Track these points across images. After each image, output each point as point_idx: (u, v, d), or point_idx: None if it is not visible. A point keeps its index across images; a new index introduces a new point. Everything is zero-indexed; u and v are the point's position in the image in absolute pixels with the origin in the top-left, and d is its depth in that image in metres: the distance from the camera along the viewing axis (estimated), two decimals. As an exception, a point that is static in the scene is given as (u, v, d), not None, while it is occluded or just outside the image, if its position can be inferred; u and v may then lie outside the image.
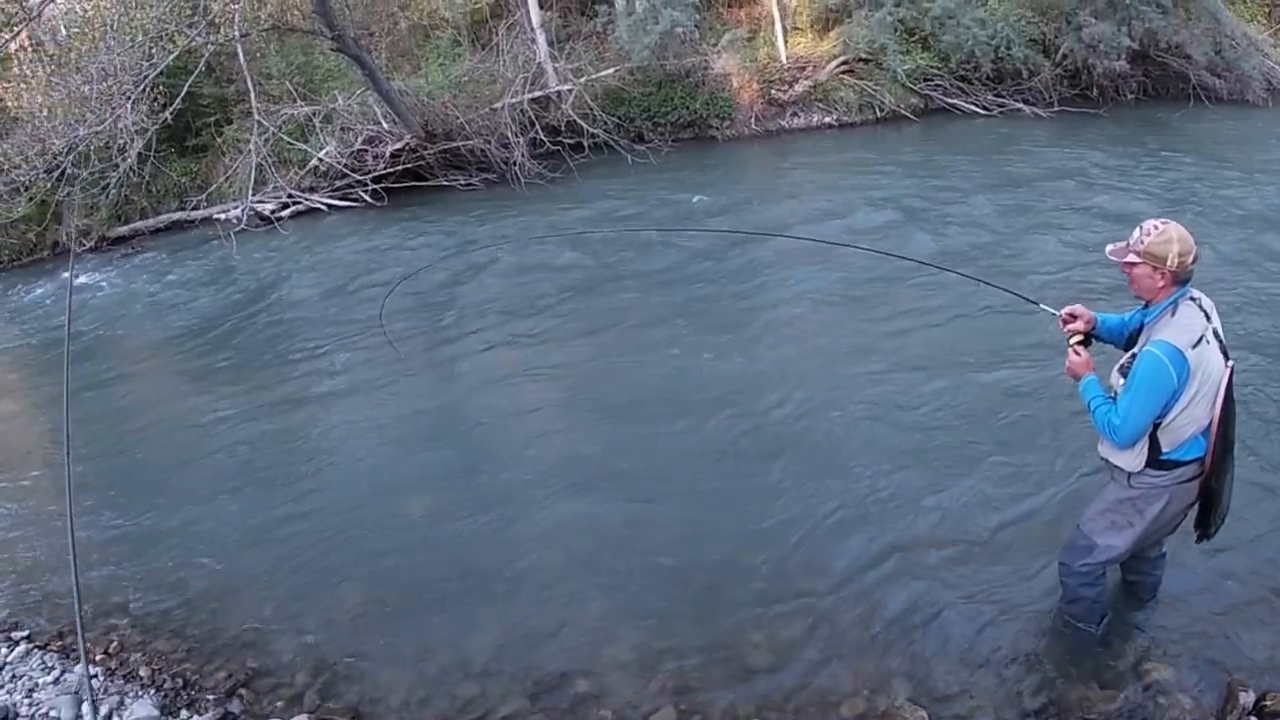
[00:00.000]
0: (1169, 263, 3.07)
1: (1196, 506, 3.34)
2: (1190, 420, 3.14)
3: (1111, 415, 3.19)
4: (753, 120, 12.64)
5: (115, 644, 4.04)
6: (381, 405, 5.96)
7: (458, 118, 10.93)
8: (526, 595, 4.20)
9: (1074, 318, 3.50)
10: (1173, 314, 3.15)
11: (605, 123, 11.59)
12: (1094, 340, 3.61)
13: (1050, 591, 3.83)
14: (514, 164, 10.83)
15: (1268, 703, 3.68)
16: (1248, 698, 3.66)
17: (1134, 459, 3.28)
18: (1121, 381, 3.23)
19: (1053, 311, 3.64)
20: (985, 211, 8.43)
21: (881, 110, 12.70)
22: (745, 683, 3.75)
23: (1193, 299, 3.19)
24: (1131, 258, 3.13)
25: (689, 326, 6.54)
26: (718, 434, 5.21)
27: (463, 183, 10.99)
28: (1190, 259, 3.08)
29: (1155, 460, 3.23)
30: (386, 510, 4.88)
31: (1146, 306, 3.28)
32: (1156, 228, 3.10)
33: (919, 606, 3.97)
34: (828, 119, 12.58)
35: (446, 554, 4.46)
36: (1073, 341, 3.53)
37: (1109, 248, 3.22)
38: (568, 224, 9.28)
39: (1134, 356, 3.18)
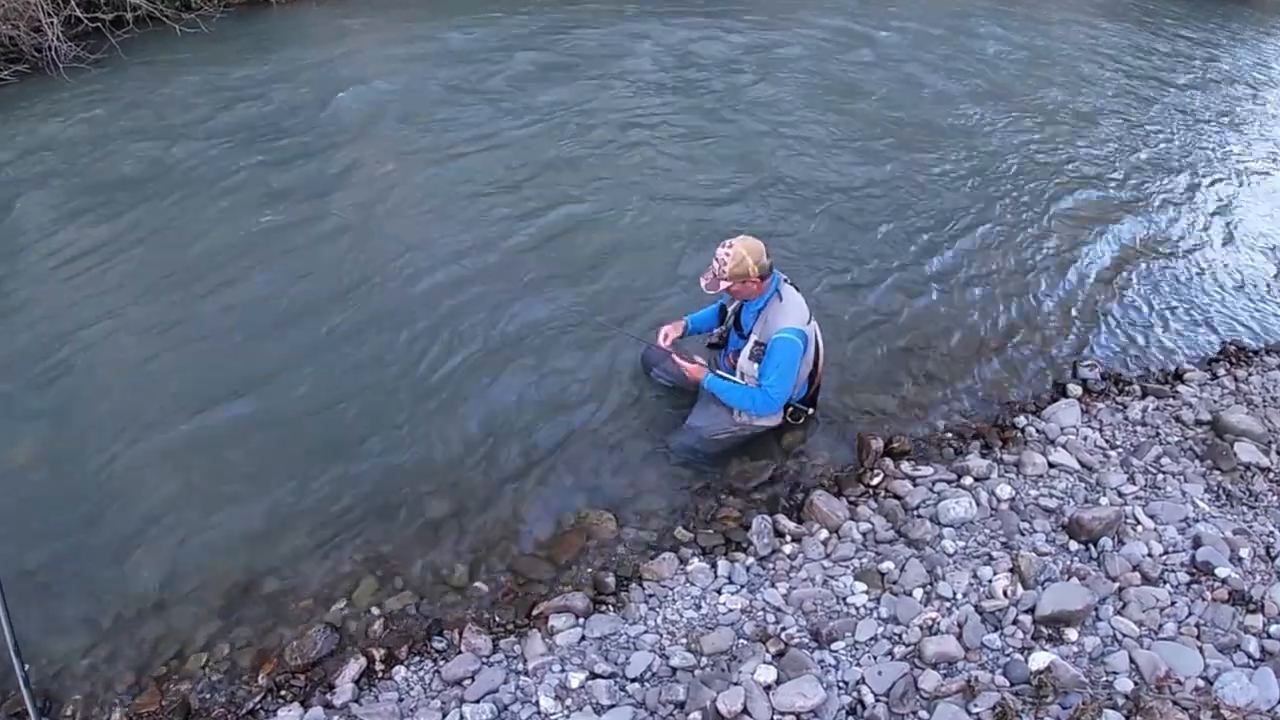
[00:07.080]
0: (754, 272, 3.35)
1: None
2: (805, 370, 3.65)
3: (757, 394, 3.55)
4: (304, -22, 11.99)
5: None
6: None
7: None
8: (178, 522, 3.85)
9: (666, 336, 3.87)
10: (780, 299, 3.47)
11: (148, -9, 10.62)
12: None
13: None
14: (49, 49, 9.76)
15: (894, 444, 4.22)
16: (878, 444, 4.15)
17: (777, 418, 3.80)
18: (756, 367, 3.56)
19: (635, 337, 4.31)
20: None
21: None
22: (432, 533, 3.80)
23: (785, 280, 3.53)
24: (725, 284, 3.38)
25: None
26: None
27: (-8, 81, 9.55)
28: (765, 255, 3.35)
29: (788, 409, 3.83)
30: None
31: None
32: (727, 254, 3.33)
33: (572, 438, 4.27)
34: (377, -32, 12.23)
35: (70, 503, 4.02)
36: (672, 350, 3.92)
37: (703, 282, 3.47)
38: (116, 115, 8.63)
39: (761, 345, 3.51)
